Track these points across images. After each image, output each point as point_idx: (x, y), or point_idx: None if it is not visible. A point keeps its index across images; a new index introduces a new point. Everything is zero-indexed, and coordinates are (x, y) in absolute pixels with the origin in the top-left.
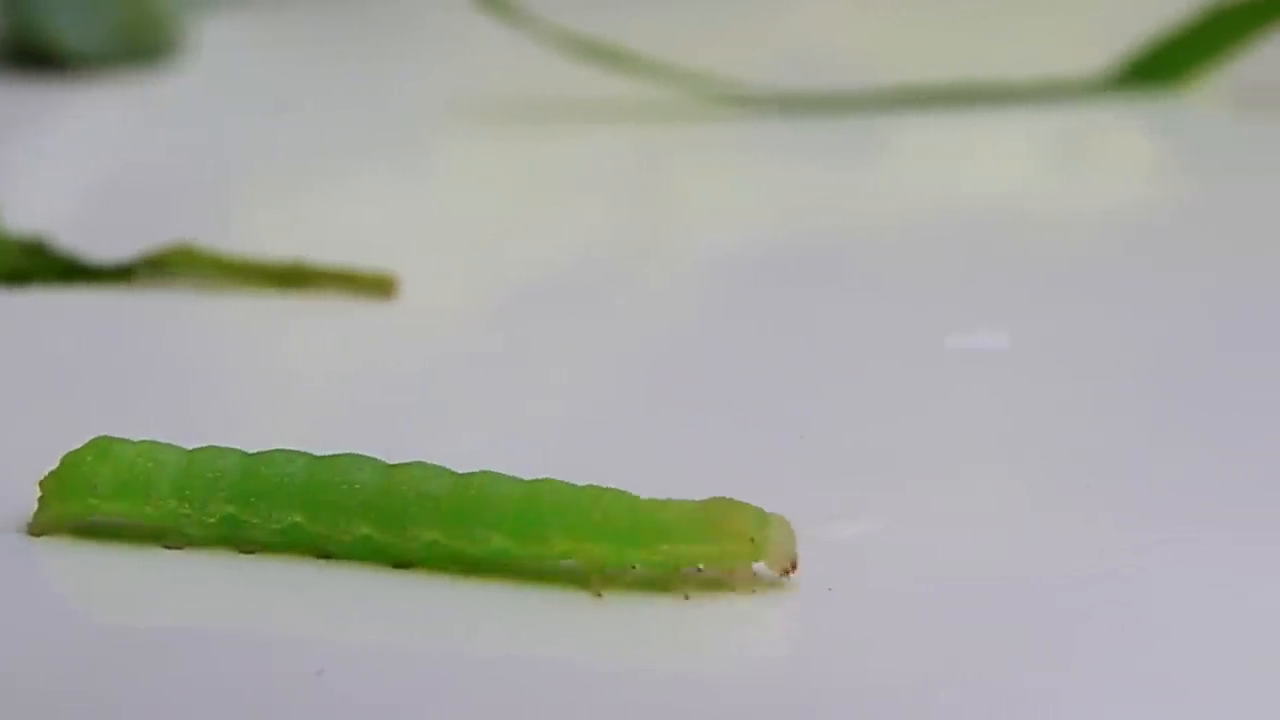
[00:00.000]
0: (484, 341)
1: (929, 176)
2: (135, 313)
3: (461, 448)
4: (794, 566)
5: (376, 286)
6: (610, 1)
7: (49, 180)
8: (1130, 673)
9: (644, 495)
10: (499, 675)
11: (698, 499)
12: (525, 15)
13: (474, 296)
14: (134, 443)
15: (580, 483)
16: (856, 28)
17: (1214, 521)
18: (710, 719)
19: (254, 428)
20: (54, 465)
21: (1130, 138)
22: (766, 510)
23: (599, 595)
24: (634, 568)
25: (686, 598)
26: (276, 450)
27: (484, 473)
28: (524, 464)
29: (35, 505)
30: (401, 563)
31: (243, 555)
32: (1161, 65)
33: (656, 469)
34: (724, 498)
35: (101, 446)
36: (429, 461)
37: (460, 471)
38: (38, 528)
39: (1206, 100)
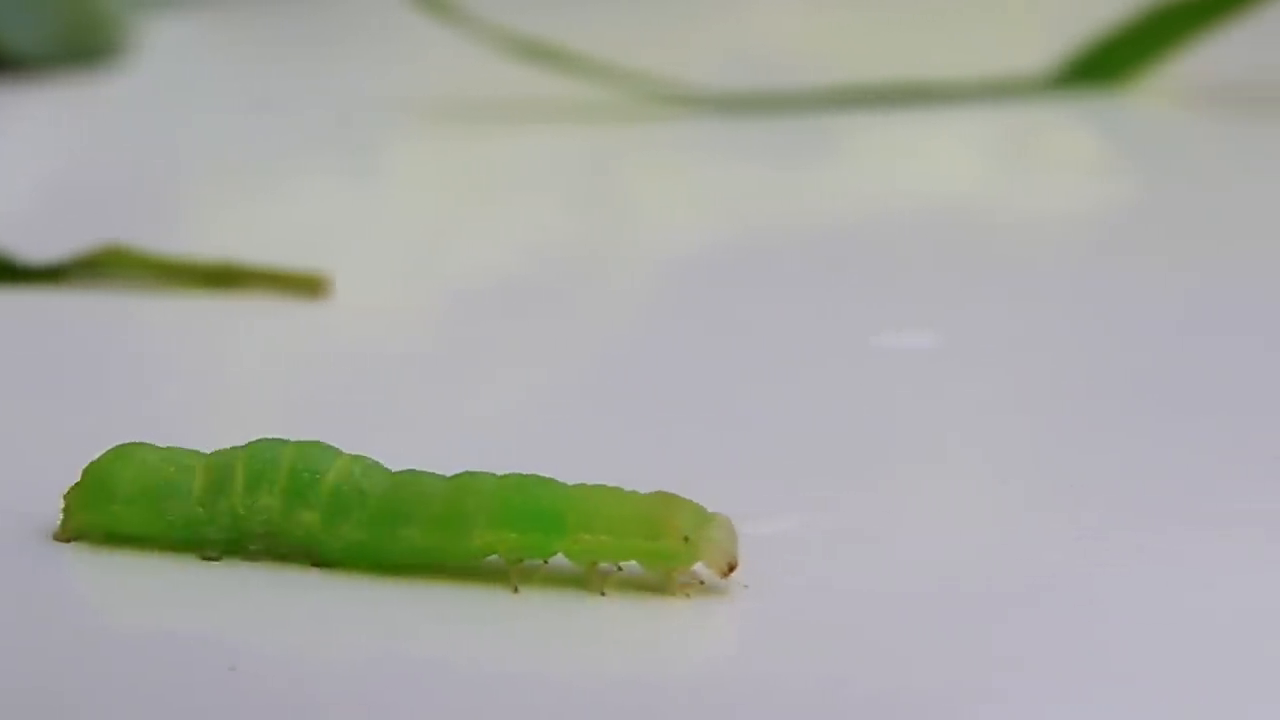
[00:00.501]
0: (420, 341)
1: (874, 176)
2: (65, 313)
3: (394, 447)
4: (733, 567)
5: (307, 286)
6: (551, 1)
7: None
8: (1071, 669)
9: None
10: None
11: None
12: (463, 15)
13: (411, 296)
14: None
15: None
16: (801, 27)
17: (1160, 517)
18: None
19: (182, 427)
20: None
21: (1074, 136)
22: (708, 509)
23: (516, 590)
24: (556, 555)
25: (603, 594)
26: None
27: (411, 471)
28: (458, 464)
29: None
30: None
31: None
32: (1104, 64)
33: (596, 469)
34: (666, 493)
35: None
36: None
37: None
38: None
39: (1149, 98)
